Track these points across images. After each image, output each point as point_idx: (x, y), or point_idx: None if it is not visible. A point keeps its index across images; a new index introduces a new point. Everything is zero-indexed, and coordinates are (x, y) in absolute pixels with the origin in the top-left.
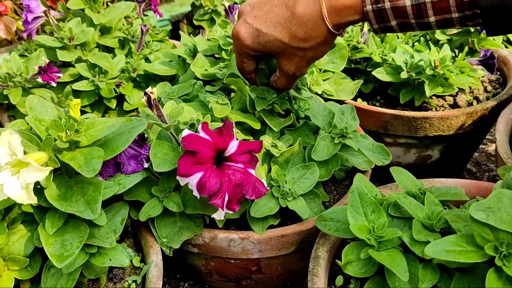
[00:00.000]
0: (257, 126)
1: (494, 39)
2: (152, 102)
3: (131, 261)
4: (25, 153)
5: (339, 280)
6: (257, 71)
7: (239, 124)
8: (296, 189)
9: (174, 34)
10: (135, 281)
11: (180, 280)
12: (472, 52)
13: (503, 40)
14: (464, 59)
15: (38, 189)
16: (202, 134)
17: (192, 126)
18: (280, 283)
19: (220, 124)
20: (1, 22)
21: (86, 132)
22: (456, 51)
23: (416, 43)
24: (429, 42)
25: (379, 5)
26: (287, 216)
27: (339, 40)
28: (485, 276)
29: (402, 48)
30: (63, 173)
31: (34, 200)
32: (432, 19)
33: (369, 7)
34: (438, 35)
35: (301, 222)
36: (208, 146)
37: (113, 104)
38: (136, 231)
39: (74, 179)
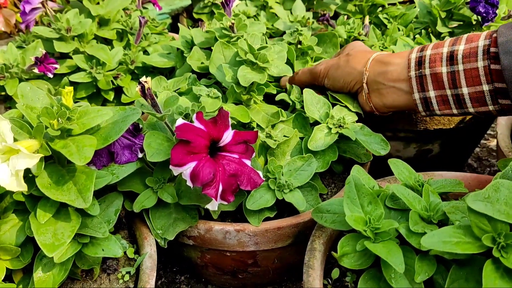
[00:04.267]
0: (246, 119)
1: None
2: (146, 92)
3: (125, 252)
4: (15, 140)
5: (335, 273)
6: None
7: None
8: (292, 181)
9: (174, 28)
10: (128, 272)
11: (177, 273)
12: None
13: None
14: None
15: (30, 177)
16: (196, 123)
17: (186, 116)
18: (276, 277)
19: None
20: (0, 14)
21: (78, 120)
22: None
23: (417, 36)
24: (431, 34)
25: (421, 71)
26: (283, 209)
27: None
28: (482, 267)
29: (403, 40)
30: (55, 162)
31: (24, 188)
32: (465, 90)
33: (412, 73)
34: (440, 27)
35: (297, 214)
36: (202, 135)
37: (110, 96)
38: (130, 222)
39: (66, 168)
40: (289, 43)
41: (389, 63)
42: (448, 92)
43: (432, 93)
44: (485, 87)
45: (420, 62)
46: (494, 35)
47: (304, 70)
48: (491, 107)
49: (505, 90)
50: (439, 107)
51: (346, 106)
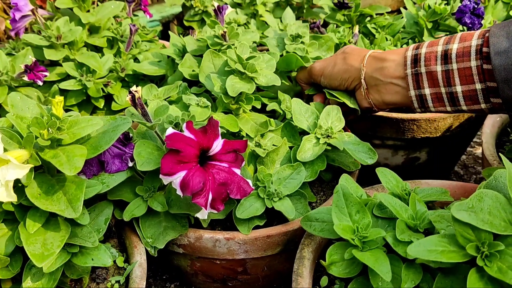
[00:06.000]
0: (235, 128)
1: None
2: (137, 101)
3: (114, 261)
4: (5, 150)
5: (324, 281)
6: None
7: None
8: (282, 189)
9: (165, 35)
10: (118, 282)
11: (166, 281)
12: None
13: None
14: None
15: (19, 187)
16: (186, 133)
17: (177, 125)
18: (266, 284)
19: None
20: None
21: (68, 130)
22: None
23: (404, 46)
24: None
25: (416, 69)
26: (273, 217)
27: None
28: (467, 276)
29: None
30: (45, 172)
31: (13, 198)
32: (459, 88)
33: (409, 71)
34: (426, 37)
35: (287, 222)
36: (192, 145)
37: (101, 104)
38: (120, 231)
39: (56, 178)
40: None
41: (385, 60)
42: (443, 90)
43: (427, 91)
44: (478, 86)
45: (415, 60)
46: (487, 34)
47: (303, 70)
48: (483, 105)
49: (496, 89)
50: (433, 104)
51: (343, 103)
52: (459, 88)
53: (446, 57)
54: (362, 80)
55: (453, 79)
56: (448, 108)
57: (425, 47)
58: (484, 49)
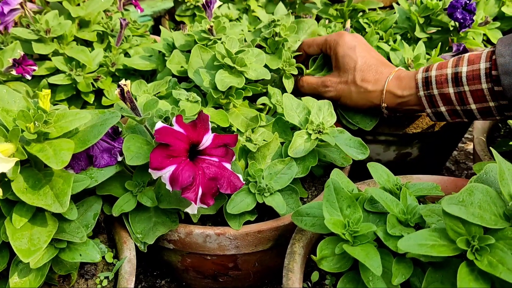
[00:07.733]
0: (225, 123)
1: (473, 38)
2: (126, 95)
3: (103, 257)
4: None
5: (315, 276)
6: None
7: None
8: (273, 184)
9: (156, 30)
10: (107, 277)
11: (157, 277)
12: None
13: (483, 39)
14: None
15: (5, 181)
16: (176, 127)
17: (166, 120)
18: (257, 280)
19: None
20: None
21: (55, 124)
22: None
23: (391, 43)
24: (410, 40)
25: (429, 91)
26: (264, 212)
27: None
28: (457, 270)
29: (380, 46)
30: (32, 166)
31: None
32: (473, 106)
33: (421, 93)
34: (418, 33)
35: (278, 217)
36: (182, 139)
37: (91, 98)
38: (110, 226)
39: (43, 172)
40: (265, 38)
41: (403, 96)
42: (458, 107)
43: (443, 108)
44: (491, 104)
45: (427, 83)
46: (494, 57)
47: (310, 82)
48: (498, 117)
49: (509, 106)
50: (451, 118)
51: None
52: (473, 106)
53: (457, 80)
54: (384, 110)
55: (467, 99)
56: (465, 120)
57: (435, 69)
58: (493, 72)
